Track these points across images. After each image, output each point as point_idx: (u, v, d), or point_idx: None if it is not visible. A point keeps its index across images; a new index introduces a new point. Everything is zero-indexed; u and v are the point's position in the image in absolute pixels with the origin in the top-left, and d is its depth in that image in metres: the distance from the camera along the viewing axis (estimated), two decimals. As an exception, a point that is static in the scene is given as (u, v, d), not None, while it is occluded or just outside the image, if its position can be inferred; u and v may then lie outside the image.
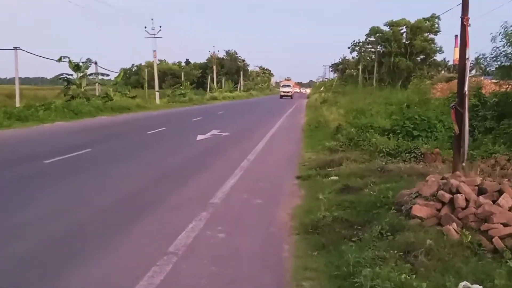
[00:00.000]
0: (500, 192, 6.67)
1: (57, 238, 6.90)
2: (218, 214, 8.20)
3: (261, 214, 8.29)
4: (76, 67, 37.87)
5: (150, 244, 6.66)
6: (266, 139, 19.86)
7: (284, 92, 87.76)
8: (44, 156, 13.69)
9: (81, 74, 38.36)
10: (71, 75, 38.09)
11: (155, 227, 7.47)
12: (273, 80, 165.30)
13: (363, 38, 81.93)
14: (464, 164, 8.28)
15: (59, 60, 36.76)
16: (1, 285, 5.38)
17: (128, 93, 46.02)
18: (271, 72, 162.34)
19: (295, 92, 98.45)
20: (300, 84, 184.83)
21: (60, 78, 38.32)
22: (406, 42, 76.04)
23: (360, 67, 79.88)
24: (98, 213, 8.23)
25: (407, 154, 12.66)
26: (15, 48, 31.41)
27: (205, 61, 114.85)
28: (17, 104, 29.90)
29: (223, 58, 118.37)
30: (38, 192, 9.69)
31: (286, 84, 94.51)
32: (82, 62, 38.78)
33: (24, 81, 57.11)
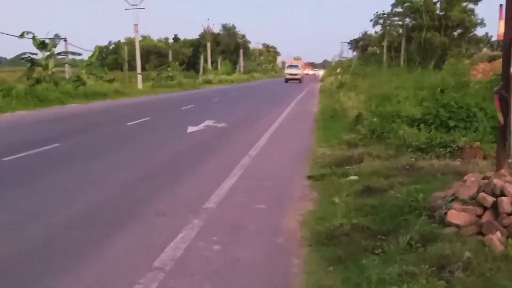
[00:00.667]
0: (554, 195, 6.66)
1: (17, 255, 6.88)
2: (213, 222, 8.21)
3: (265, 222, 8.29)
4: (42, 45, 37.79)
5: (132, 258, 6.67)
6: (272, 131, 19.87)
7: (290, 74, 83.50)
8: (3, 153, 13.70)
9: (48, 53, 38.29)
10: (36, 54, 37.98)
11: (137, 237, 7.49)
12: (279, 60, 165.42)
13: (388, 9, 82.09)
14: (510, 161, 8.27)
15: (21, 36, 36.70)
16: None
17: (105, 76, 45.95)
18: (277, 50, 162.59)
19: (305, 74, 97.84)
20: (312, 65, 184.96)
21: (22, 58, 38.26)
22: (440, 13, 76.06)
23: (384, 43, 79.97)
24: (69, 221, 8.24)
25: (441, 149, 12.64)
26: (-33, 22, 31.41)
27: (198, 38, 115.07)
28: (-30, 90, 29.90)
29: (219, 33, 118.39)
30: (-3, 195, 9.72)
31: (294, 64, 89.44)
32: (49, 39, 38.67)
33: (-21, 61, 57.12)
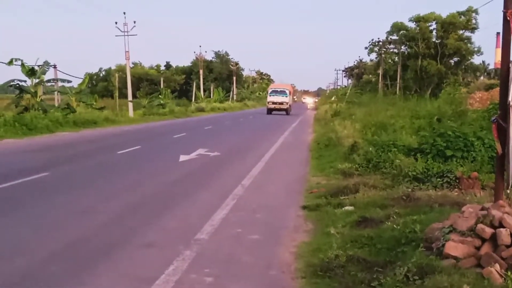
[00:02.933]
0: (554, 226, 6.67)
1: None
2: (205, 253, 8.17)
3: (258, 253, 8.27)
4: (31, 72, 37.93)
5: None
6: (265, 160, 19.89)
7: (274, 103, 66.00)
8: (-11, 182, 13.66)
9: (37, 80, 38.43)
10: (24, 81, 38.13)
11: (126, 269, 7.43)
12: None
13: (383, 37, 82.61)
14: (508, 191, 8.29)
15: (10, 63, 36.81)
16: None
17: (95, 103, 46.16)
18: (271, 78, 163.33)
19: (304, 102, 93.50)
20: (306, 93, 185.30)
21: (10, 85, 38.37)
22: (437, 41, 76.64)
23: (380, 71, 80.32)
24: (52, 253, 8.15)
25: (439, 179, 12.66)
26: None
27: (190, 65, 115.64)
28: (-43, 117, 29.86)
29: (211, 60, 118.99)
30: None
31: (279, 88, 69.33)
32: (38, 66, 38.87)
33: (-34, 88, 57.30)
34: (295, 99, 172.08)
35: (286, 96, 66.54)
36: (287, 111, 65.48)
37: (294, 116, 59.85)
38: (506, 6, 8.09)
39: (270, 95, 67.97)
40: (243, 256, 8.12)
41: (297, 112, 72.57)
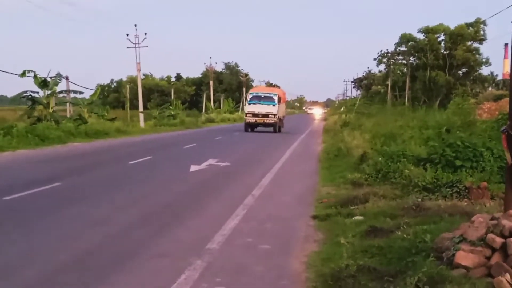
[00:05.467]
0: None
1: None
2: (216, 263, 8.17)
3: (269, 263, 8.26)
4: (43, 83, 38.03)
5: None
6: (275, 170, 19.89)
7: (254, 114, 45.66)
8: (3, 191, 13.68)
9: (49, 91, 38.52)
10: (37, 92, 38.20)
11: (138, 279, 7.43)
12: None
13: (392, 48, 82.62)
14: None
15: (23, 74, 37.00)
16: None
17: (106, 114, 46.24)
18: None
19: (310, 113, 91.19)
20: (315, 103, 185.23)
21: (23, 97, 38.48)
22: (445, 52, 76.64)
23: (388, 82, 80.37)
24: (66, 262, 8.17)
25: (448, 189, 12.63)
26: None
27: (200, 76, 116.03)
28: (-29, 128, 29.95)
29: (221, 72, 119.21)
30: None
31: (263, 93, 48.30)
32: (51, 77, 38.97)
33: (-21, 100, 57.57)
34: (306, 110, 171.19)
35: (274, 105, 45.92)
36: (274, 126, 45.65)
37: (305, 125, 59.31)
38: (515, 17, 8.06)
39: (249, 103, 46.97)
40: (254, 265, 8.11)
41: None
